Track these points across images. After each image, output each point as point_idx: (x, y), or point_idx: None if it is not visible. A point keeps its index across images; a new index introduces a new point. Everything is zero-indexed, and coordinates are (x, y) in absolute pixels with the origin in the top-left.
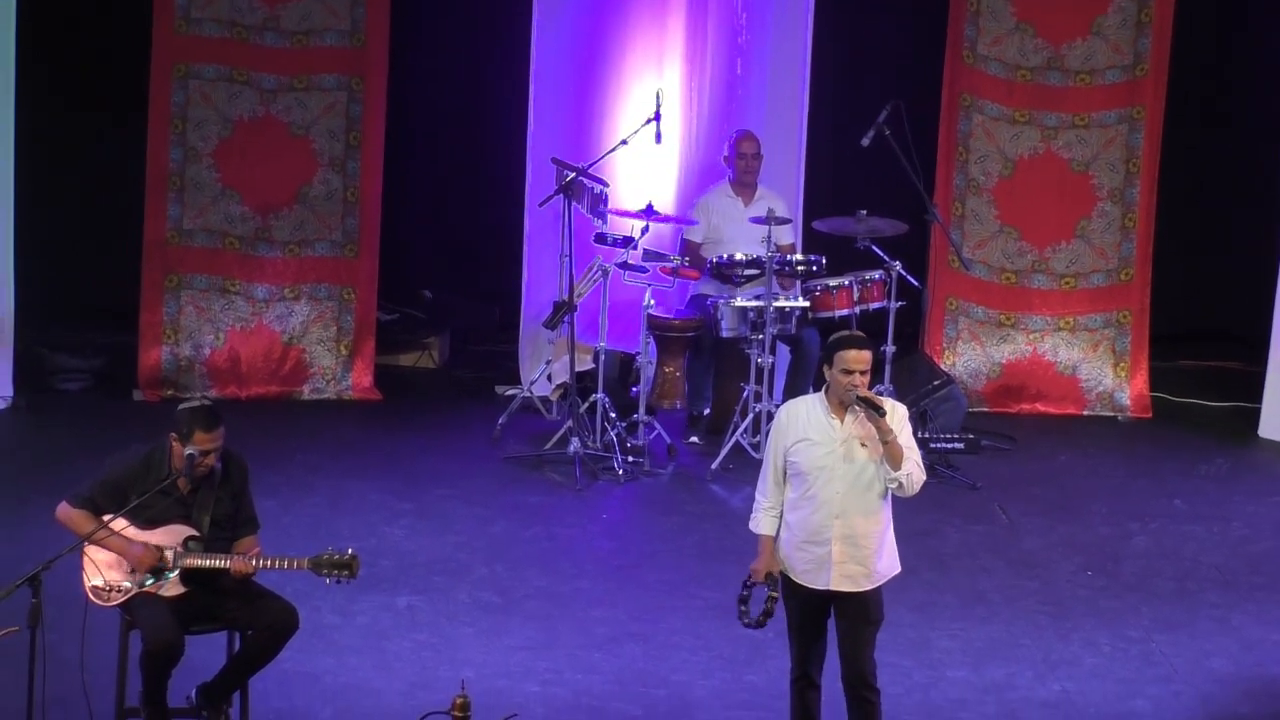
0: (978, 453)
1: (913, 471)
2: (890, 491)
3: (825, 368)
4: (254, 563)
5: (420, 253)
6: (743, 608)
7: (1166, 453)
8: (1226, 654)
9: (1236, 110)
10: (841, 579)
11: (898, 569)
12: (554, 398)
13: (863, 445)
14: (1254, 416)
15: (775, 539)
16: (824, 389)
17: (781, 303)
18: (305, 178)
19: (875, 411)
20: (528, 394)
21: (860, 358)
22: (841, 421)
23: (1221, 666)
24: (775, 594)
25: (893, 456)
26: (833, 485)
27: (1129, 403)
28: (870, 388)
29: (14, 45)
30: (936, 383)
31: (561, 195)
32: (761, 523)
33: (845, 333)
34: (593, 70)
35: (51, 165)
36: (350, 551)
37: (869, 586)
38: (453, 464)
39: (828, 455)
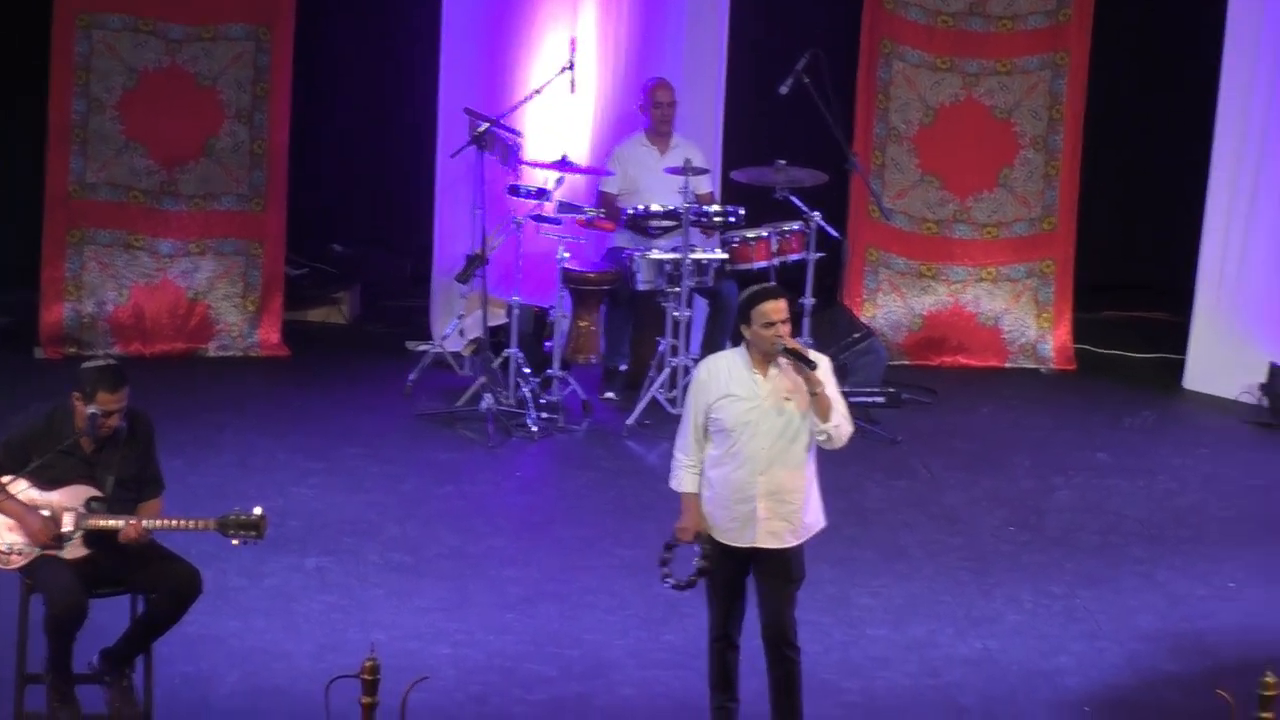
0: (899, 407)
1: (841, 423)
2: (816, 445)
3: (743, 327)
4: (146, 524)
5: (329, 206)
6: (665, 569)
7: (1091, 405)
8: (1152, 610)
9: (1166, 57)
10: (766, 536)
11: (823, 523)
12: (466, 353)
13: (787, 399)
14: (1179, 368)
15: (698, 496)
16: (744, 344)
17: (699, 255)
18: (212, 130)
19: (804, 364)
20: (439, 349)
21: (779, 308)
22: (765, 376)
23: (1147, 623)
24: (710, 554)
25: (821, 408)
26: (757, 441)
27: (1052, 354)
28: None
29: None
30: (856, 335)
31: (474, 146)
32: (684, 480)
33: (755, 287)
34: (505, 18)
35: None
36: (258, 511)
37: (794, 543)
38: (363, 421)
39: (752, 410)
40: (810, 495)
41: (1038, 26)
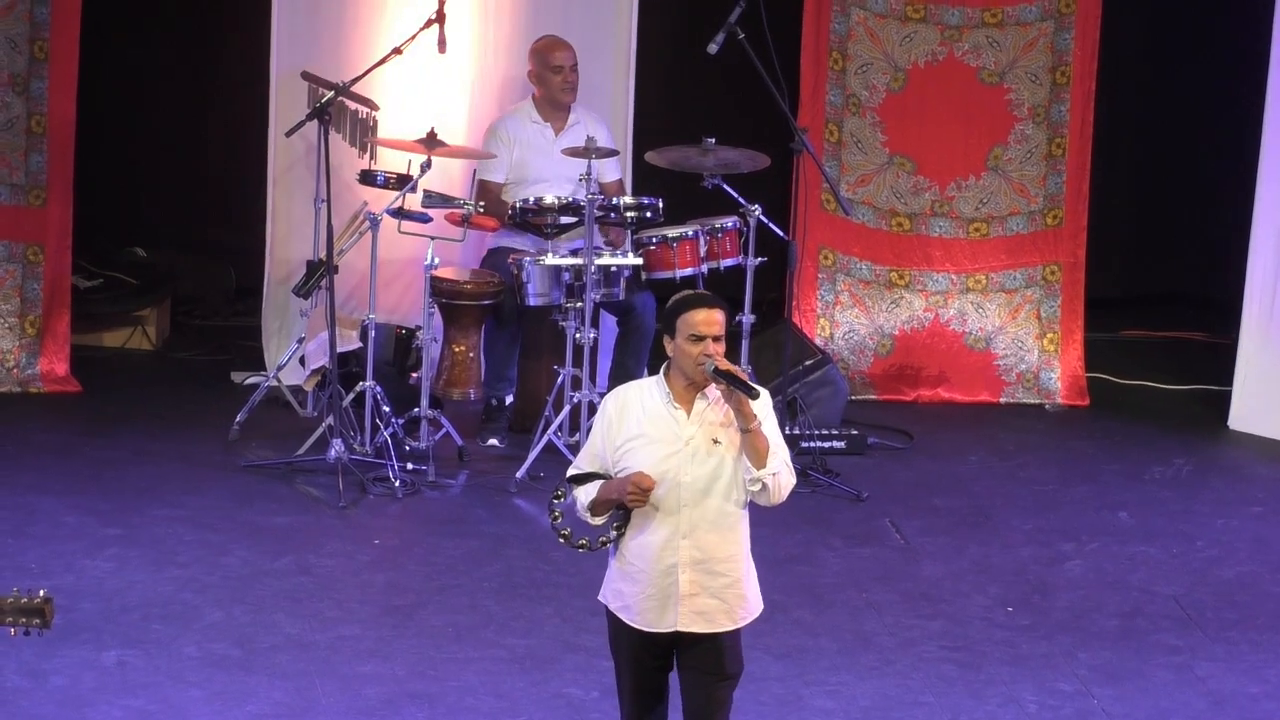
0: (864, 453)
1: (780, 471)
2: (749, 499)
3: (666, 339)
4: None
5: (131, 199)
6: (555, 511)
7: (1109, 451)
8: (1190, 713)
9: (1201, 5)
10: (692, 616)
11: (760, 607)
12: (309, 387)
13: (716, 441)
14: (1223, 403)
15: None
16: (663, 370)
17: (606, 260)
18: None
19: (742, 389)
20: (274, 383)
21: (711, 319)
22: (688, 412)
23: None
24: (623, 524)
25: (756, 450)
26: (677, 495)
27: (1059, 386)
28: None
29: None
30: (809, 362)
31: (316, 121)
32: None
33: (688, 292)
34: None
35: None
36: (42, 593)
37: (730, 626)
38: (175, 476)
39: (671, 457)
40: (747, 567)
41: None
